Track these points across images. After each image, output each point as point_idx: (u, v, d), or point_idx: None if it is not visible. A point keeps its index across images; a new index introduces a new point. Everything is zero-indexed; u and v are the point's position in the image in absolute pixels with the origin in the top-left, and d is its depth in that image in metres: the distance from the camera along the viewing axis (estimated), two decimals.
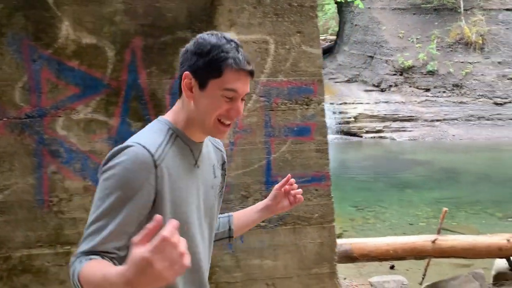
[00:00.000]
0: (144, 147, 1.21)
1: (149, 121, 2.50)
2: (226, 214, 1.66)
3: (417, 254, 4.53)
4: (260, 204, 1.65)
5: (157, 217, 0.95)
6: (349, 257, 4.48)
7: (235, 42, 1.28)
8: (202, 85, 1.27)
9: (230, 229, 1.63)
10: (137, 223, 1.21)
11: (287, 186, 1.60)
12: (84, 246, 1.18)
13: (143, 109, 2.45)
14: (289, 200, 1.61)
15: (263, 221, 2.66)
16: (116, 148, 1.24)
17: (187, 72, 1.28)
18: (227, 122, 1.30)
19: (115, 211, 1.18)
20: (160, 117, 1.37)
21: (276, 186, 1.62)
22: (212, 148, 1.49)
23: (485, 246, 4.50)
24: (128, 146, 1.22)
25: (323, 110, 2.66)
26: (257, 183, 2.63)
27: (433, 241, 4.47)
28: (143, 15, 2.38)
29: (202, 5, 2.43)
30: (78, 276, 1.12)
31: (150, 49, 2.42)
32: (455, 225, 7.68)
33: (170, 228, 0.94)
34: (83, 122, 2.42)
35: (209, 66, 1.25)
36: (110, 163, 1.21)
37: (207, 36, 1.29)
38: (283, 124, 2.61)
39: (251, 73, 1.29)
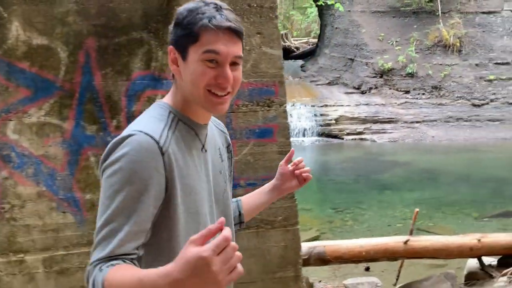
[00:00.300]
0: (147, 134, 1.12)
1: (105, 124, 2.45)
2: (233, 199, 1.56)
3: (390, 255, 4.53)
4: (268, 185, 1.60)
5: (221, 220, 0.91)
6: (323, 260, 4.46)
7: (215, 3, 1.18)
8: (184, 55, 1.18)
9: (240, 214, 1.55)
10: (152, 216, 1.12)
11: (291, 167, 1.56)
12: (100, 253, 1.07)
13: (98, 112, 2.39)
14: (298, 179, 1.57)
15: None
16: (115, 140, 1.14)
17: (170, 47, 1.21)
18: (219, 93, 1.17)
19: (129, 208, 1.08)
20: (158, 101, 1.29)
21: (281, 162, 1.59)
22: (216, 131, 1.40)
23: (456, 246, 4.52)
24: (129, 135, 1.12)
25: (285, 111, 2.64)
26: None
27: (405, 242, 4.47)
28: (96, 16, 2.32)
29: (157, 5, 2.38)
30: (103, 285, 1.01)
31: (104, 50, 2.36)
32: (432, 226, 7.75)
33: (228, 231, 0.89)
34: (35, 125, 2.35)
35: (186, 32, 1.16)
36: (112, 157, 1.11)
37: (186, 4, 1.21)
38: (245, 126, 2.57)
39: (235, 32, 1.16)
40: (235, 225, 1.50)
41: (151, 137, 1.12)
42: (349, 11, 20.97)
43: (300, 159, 1.59)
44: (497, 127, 17.39)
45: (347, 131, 17.54)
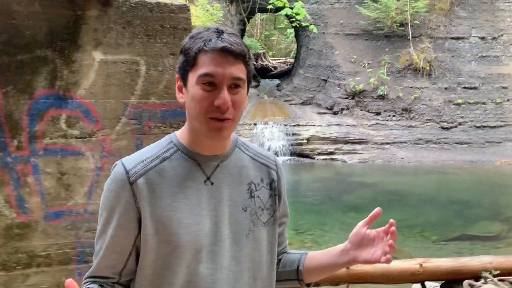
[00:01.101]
0: (123, 164, 1.17)
1: (5, 144, 2.35)
2: (300, 251, 1.42)
3: (332, 280, 4.45)
4: (340, 246, 1.35)
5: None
6: None
7: (216, 28, 1.14)
8: (185, 82, 1.16)
9: (298, 269, 1.35)
10: (130, 245, 1.16)
11: (373, 232, 1.25)
12: (89, 270, 1.20)
13: None
14: (381, 250, 1.26)
15: None
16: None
17: (176, 75, 1.19)
18: (218, 117, 1.12)
19: (104, 233, 1.17)
20: (173, 132, 1.30)
21: (360, 222, 1.32)
22: (251, 164, 1.27)
23: (398, 272, 4.48)
24: (114, 165, 1.20)
25: None
26: None
27: (348, 267, 4.42)
28: None
29: (64, 23, 2.32)
30: None
31: (6, 67, 2.28)
32: None
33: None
34: None
35: (185, 58, 1.15)
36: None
37: (192, 32, 1.18)
38: None
39: (231, 53, 1.10)
40: (291, 280, 1.35)
41: (124, 166, 1.16)
42: (323, 33, 21.32)
43: (392, 222, 1.27)
44: (464, 150, 17.71)
45: (318, 151, 17.63)
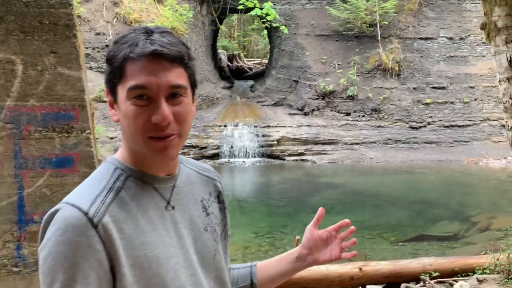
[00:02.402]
0: (74, 205, 0.90)
1: None
2: (247, 264, 1.31)
3: None
4: (292, 253, 1.31)
5: None
6: None
7: (145, 28, 0.93)
8: (114, 97, 0.95)
9: (252, 283, 1.26)
10: None
11: (324, 233, 1.26)
12: None
13: None
14: (337, 248, 1.28)
15: (16, 266, 2.34)
16: (46, 216, 0.93)
17: (106, 89, 0.96)
18: (159, 135, 0.93)
19: None
20: (110, 156, 1.03)
21: (309, 225, 1.30)
22: (197, 179, 1.13)
23: (337, 276, 4.39)
24: (56, 211, 0.91)
25: (88, 138, 2.40)
26: (7, 222, 2.30)
27: None
28: None
29: None
30: None
31: None
32: (346, 251, 7.64)
33: None
34: None
35: (111, 68, 0.94)
36: (44, 240, 0.90)
37: (117, 36, 0.96)
38: (38, 155, 2.31)
39: (166, 56, 0.91)
40: None
41: (79, 208, 0.90)
42: (294, 33, 21.30)
43: (344, 222, 1.31)
44: (433, 149, 17.87)
45: (289, 152, 17.56)
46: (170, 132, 0.94)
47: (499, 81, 3.65)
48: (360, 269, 4.37)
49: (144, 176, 0.99)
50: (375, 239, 8.42)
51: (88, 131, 2.39)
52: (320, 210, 1.29)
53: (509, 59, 3.48)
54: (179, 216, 1.03)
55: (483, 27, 3.66)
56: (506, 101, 3.60)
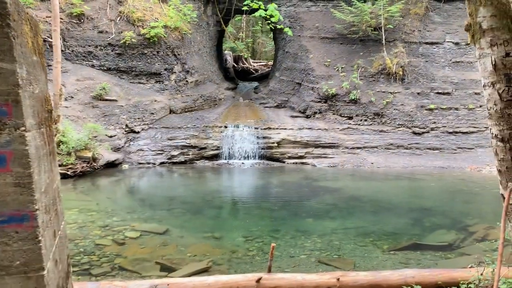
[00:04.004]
0: None
1: None
2: None
3: None
4: None
5: None
6: None
7: None
8: None
9: None
10: None
11: None
12: None
13: None
14: None
15: None
16: None
17: None
18: None
19: None
20: None
21: None
22: None
23: (313, 286, 4.19)
24: None
25: (23, 136, 2.23)
26: None
27: (258, 281, 4.11)
28: None
29: None
30: None
31: None
32: (335, 258, 7.43)
33: None
34: None
35: None
36: None
37: None
38: None
39: None
40: None
41: None
42: (299, 36, 21.11)
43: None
44: (436, 156, 17.56)
45: (289, 154, 17.36)
46: None
47: (483, 86, 3.45)
48: (338, 279, 4.17)
49: None
50: (367, 246, 8.19)
51: (23, 128, 2.23)
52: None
53: (493, 63, 3.28)
54: None
55: (467, 28, 3.46)
56: (491, 107, 3.39)
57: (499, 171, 3.48)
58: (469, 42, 3.35)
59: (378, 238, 8.77)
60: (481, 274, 3.97)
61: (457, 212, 10.92)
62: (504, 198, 3.47)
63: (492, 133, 3.45)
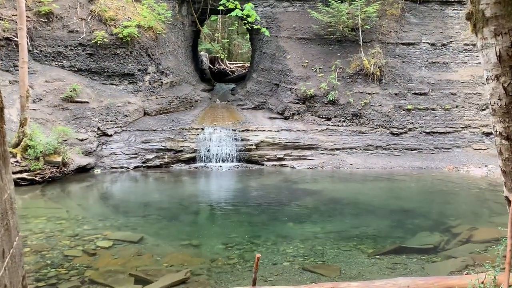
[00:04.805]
0: None
1: None
2: None
3: None
4: None
5: None
6: None
7: None
8: None
9: None
10: None
11: None
12: None
13: None
14: None
15: None
16: None
17: None
18: None
19: None
20: None
21: None
22: None
23: None
24: None
25: None
26: None
27: None
28: None
29: None
30: None
31: None
32: (320, 264, 7.13)
33: None
34: None
35: None
36: None
37: None
38: None
39: None
40: None
41: None
42: (276, 36, 20.86)
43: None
44: (414, 156, 17.55)
45: (268, 156, 17.05)
46: None
47: (486, 79, 3.16)
48: None
49: None
50: (351, 251, 7.91)
51: None
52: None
53: (498, 54, 2.99)
54: None
55: (469, 17, 3.17)
56: (495, 103, 3.11)
57: (504, 171, 3.21)
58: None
59: (361, 241, 8.51)
60: (482, 283, 3.70)
61: (438, 213, 10.79)
62: (509, 201, 3.19)
63: (496, 131, 3.18)
